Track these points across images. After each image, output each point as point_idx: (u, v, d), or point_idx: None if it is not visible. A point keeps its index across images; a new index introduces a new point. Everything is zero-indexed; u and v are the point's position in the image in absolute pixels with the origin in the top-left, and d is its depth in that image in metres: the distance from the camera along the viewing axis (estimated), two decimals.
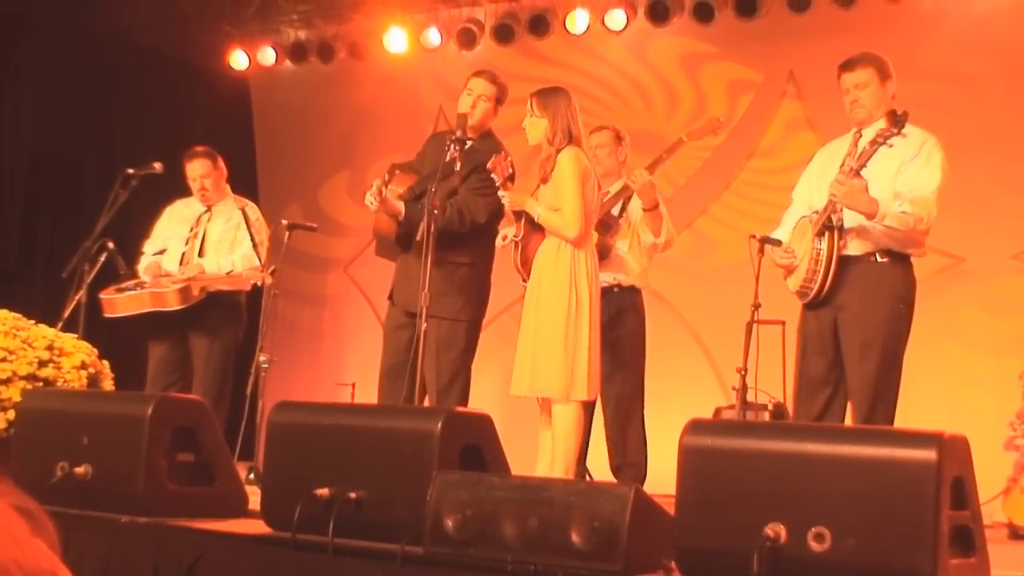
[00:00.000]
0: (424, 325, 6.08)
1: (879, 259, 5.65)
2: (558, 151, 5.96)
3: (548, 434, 5.98)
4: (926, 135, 5.72)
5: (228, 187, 7.83)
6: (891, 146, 5.49)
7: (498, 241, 6.50)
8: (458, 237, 6.41)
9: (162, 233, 7.76)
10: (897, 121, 5.48)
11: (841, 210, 5.63)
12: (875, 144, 5.51)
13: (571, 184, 5.89)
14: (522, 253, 6.24)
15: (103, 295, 7.41)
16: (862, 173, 5.54)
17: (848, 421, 5.76)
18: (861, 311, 5.63)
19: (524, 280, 6.20)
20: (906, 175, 5.59)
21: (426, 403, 6.44)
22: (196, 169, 7.65)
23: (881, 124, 5.64)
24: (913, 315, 5.73)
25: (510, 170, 6.10)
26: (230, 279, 7.43)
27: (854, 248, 5.66)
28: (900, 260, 5.69)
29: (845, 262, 5.65)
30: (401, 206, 6.49)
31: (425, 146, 6.92)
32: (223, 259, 7.52)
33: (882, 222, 5.48)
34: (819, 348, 5.76)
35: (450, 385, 6.48)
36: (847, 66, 5.87)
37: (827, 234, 5.63)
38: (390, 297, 6.77)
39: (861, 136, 5.81)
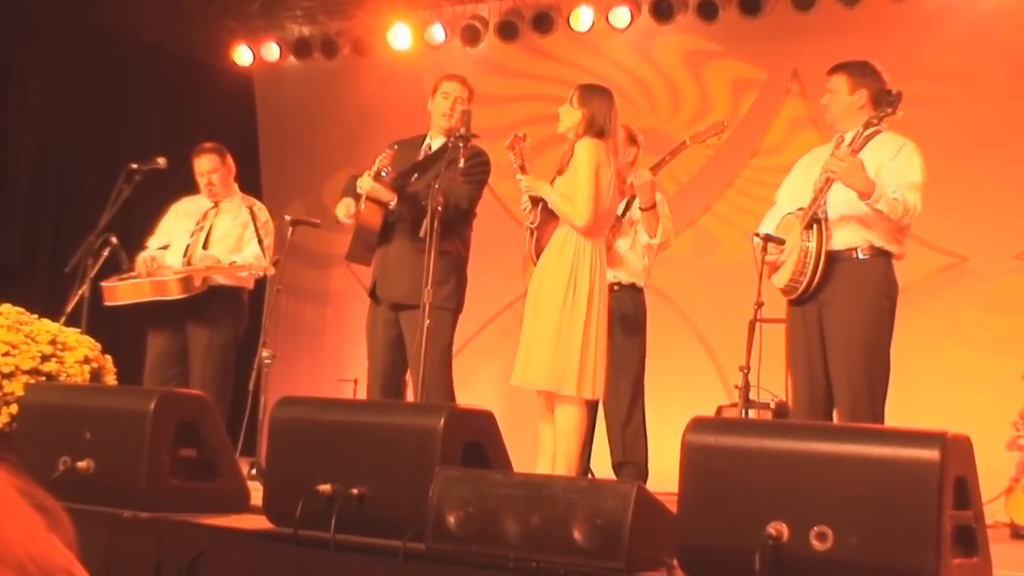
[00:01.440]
0: (428, 322, 6.06)
1: (861, 255, 5.70)
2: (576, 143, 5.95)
3: (548, 429, 5.95)
4: (904, 139, 5.79)
5: (236, 185, 7.82)
6: (883, 128, 5.58)
7: (523, 199, 6.48)
8: (442, 224, 6.39)
9: (167, 229, 7.73)
10: (891, 101, 5.55)
11: (825, 203, 5.69)
12: (868, 126, 5.61)
13: (585, 173, 5.86)
14: (537, 242, 6.23)
15: (104, 283, 7.38)
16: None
17: (834, 417, 5.80)
18: (845, 307, 5.68)
19: None
20: (888, 172, 5.65)
21: (408, 393, 6.41)
22: (204, 164, 7.64)
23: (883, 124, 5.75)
24: (895, 313, 5.77)
25: (529, 152, 6.12)
26: (233, 269, 7.40)
27: (837, 242, 5.70)
28: (881, 256, 5.74)
29: (830, 258, 5.70)
30: (393, 197, 6.50)
31: (394, 152, 6.87)
32: (228, 255, 7.49)
33: (875, 204, 5.52)
34: (807, 344, 5.81)
35: (439, 377, 6.46)
36: (829, 71, 6.03)
37: (815, 227, 5.70)
38: (371, 293, 6.76)
39: (843, 140, 5.88)
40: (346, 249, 6.86)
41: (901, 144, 5.75)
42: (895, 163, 5.67)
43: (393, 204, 6.54)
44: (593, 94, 6.04)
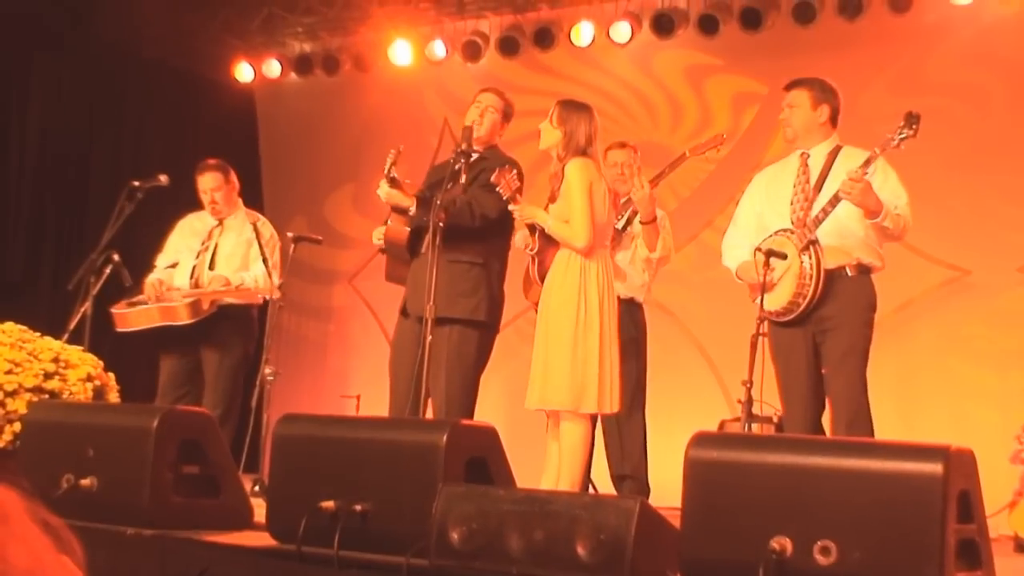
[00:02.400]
0: (430, 337, 6.03)
1: (849, 273, 5.83)
2: (564, 165, 5.95)
3: (556, 446, 5.95)
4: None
5: (240, 201, 7.83)
6: (901, 148, 5.61)
7: (517, 239, 6.46)
8: (470, 234, 6.34)
9: (174, 246, 7.76)
10: (911, 121, 5.58)
11: (815, 226, 5.78)
12: (886, 146, 5.62)
13: (578, 194, 5.86)
14: (539, 267, 6.22)
15: (114, 310, 7.43)
16: (823, 188, 5.86)
17: (827, 430, 5.87)
18: (842, 322, 5.79)
19: None
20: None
21: (428, 411, 6.33)
22: (207, 182, 7.66)
23: (825, 147, 5.96)
24: None
25: (517, 183, 6.09)
26: (240, 293, 7.42)
27: (829, 261, 5.80)
28: (867, 273, 5.89)
29: (826, 275, 5.81)
30: (412, 202, 6.44)
31: (427, 178, 6.85)
32: (236, 275, 7.50)
33: (883, 222, 5.66)
34: (803, 364, 5.89)
35: (460, 397, 6.35)
36: (787, 86, 6.14)
37: (811, 248, 5.77)
38: (402, 311, 6.64)
39: (810, 156, 5.99)
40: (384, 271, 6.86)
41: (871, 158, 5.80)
42: (875, 180, 5.72)
43: (413, 210, 6.48)
44: (571, 112, 6.04)
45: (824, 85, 6.05)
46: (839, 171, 5.79)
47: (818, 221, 5.76)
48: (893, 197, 5.74)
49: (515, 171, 6.18)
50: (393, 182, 6.46)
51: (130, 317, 7.41)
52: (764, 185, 6.22)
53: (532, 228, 6.23)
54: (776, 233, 5.92)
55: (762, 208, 6.12)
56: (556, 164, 6.01)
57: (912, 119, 5.60)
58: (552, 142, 6.01)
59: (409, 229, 6.55)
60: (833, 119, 6.02)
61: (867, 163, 5.65)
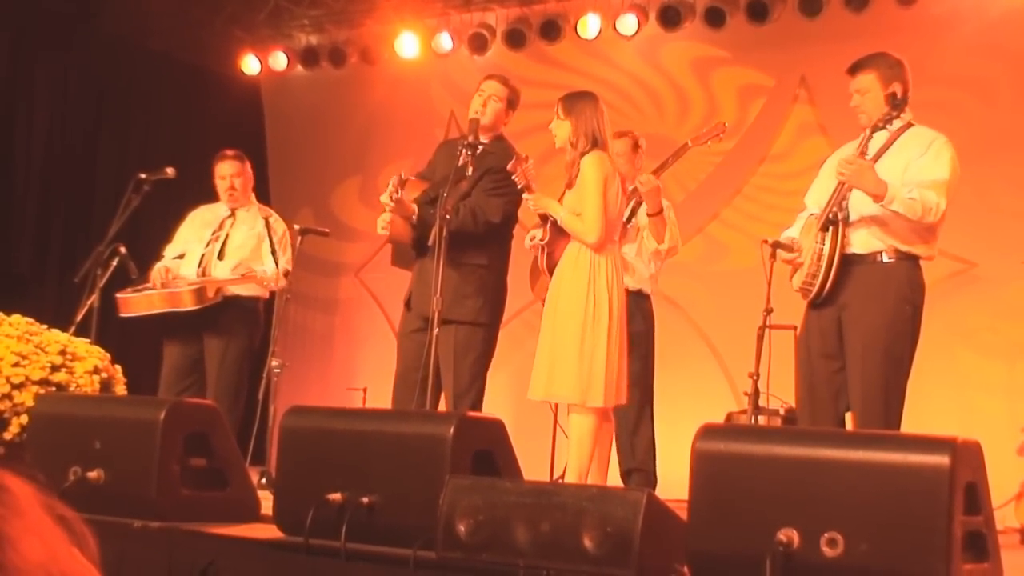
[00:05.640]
0: (436, 330, 6.04)
1: (885, 259, 5.52)
2: (581, 155, 5.93)
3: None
4: (936, 134, 5.63)
5: (254, 196, 7.82)
6: (889, 130, 5.49)
7: (526, 241, 6.46)
8: (473, 238, 6.36)
9: (184, 237, 7.73)
10: (896, 104, 5.46)
11: (847, 206, 5.57)
12: (875, 129, 5.49)
13: (593, 189, 5.86)
14: (549, 257, 6.23)
15: (119, 294, 7.39)
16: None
17: (848, 427, 5.63)
18: (864, 312, 5.49)
19: None
20: (913, 170, 5.49)
21: (441, 407, 6.37)
22: (226, 169, 7.62)
23: (894, 125, 5.61)
24: (921, 318, 5.57)
25: (532, 172, 6.08)
26: (246, 279, 7.40)
27: (860, 246, 5.54)
28: (907, 260, 5.54)
29: (850, 261, 5.53)
30: (415, 207, 6.45)
31: (435, 155, 6.86)
32: (245, 266, 7.48)
33: (889, 206, 5.36)
34: (822, 349, 5.62)
35: (467, 391, 6.38)
36: (851, 70, 5.79)
37: (831, 229, 5.53)
38: (406, 303, 6.66)
39: (872, 139, 5.75)
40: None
41: (931, 139, 5.59)
42: (923, 160, 5.52)
43: (414, 219, 6.48)
44: (576, 101, 6.04)
45: (890, 61, 5.70)
46: (899, 150, 5.54)
47: (829, 203, 5.57)
48: (925, 176, 5.45)
49: (531, 160, 6.16)
50: (396, 202, 6.41)
51: (134, 302, 7.38)
52: (830, 168, 5.80)
53: (544, 218, 6.23)
54: (814, 214, 5.74)
55: (821, 191, 5.84)
56: (571, 152, 5.98)
57: (896, 103, 5.48)
58: (564, 134, 5.99)
59: (413, 229, 6.54)
60: (905, 94, 5.64)
61: (860, 143, 5.52)
